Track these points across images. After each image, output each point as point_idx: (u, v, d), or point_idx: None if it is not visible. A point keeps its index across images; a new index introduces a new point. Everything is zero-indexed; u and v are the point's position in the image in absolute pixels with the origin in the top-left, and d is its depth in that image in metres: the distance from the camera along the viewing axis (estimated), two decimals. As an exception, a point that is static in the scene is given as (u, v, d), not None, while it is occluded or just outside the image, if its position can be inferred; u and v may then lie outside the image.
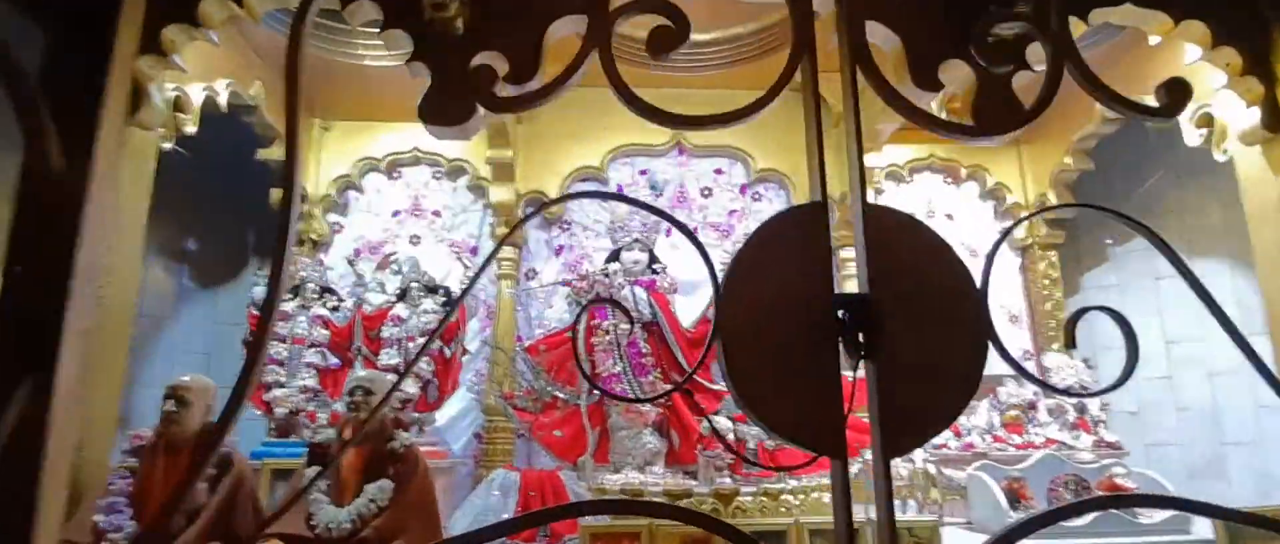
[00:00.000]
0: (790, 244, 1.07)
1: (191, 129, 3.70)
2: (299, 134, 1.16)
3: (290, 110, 1.16)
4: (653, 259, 4.49)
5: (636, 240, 4.46)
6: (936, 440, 4.24)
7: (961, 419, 4.32)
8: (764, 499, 3.58)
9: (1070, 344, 1.07)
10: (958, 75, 1.26)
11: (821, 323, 1.04)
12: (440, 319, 0.98)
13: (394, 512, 2.89)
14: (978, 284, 1.08)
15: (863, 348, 1.06)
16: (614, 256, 4.55)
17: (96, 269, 1.19)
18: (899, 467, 4.14)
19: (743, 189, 5.53)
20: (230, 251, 5.44)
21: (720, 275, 1.05)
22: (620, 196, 1.14)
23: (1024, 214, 5.30)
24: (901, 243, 1.09)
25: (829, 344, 1.04)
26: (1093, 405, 4.29)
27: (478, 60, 1.31)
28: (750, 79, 5.39)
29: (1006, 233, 1.17)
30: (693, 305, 4.72)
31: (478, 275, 1.15)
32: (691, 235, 1.08)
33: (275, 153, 4.93)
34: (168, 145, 3.57)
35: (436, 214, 5.42)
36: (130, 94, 1.99)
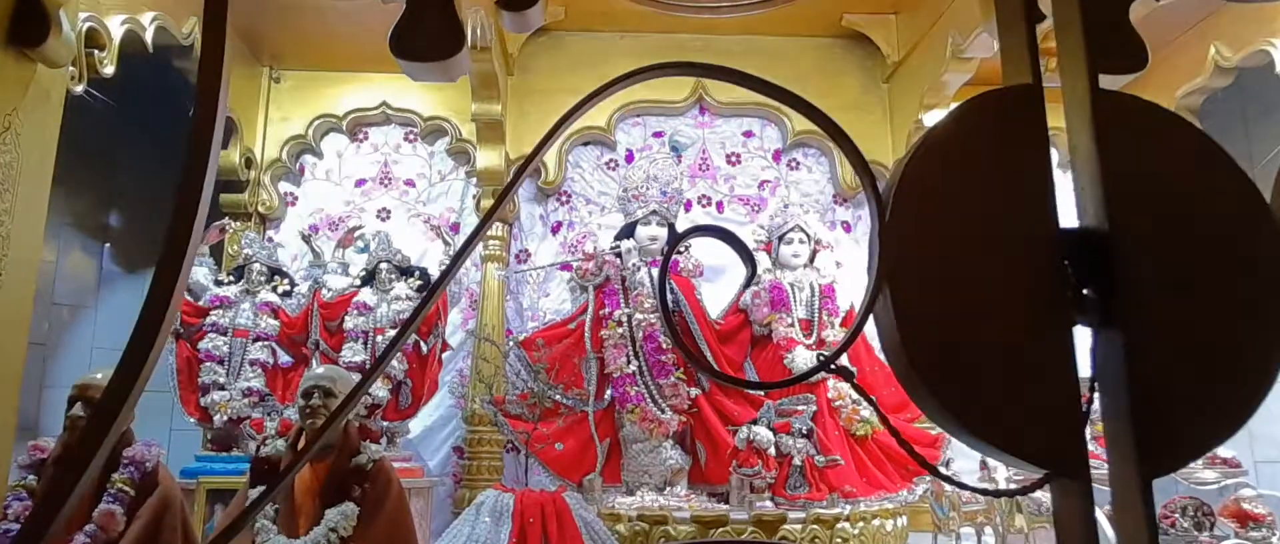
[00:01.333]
0: (988, 149, 0.80)
1: (109, 69, 3.45)
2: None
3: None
4: (673, 236, 4.27)
5: (654, 213, 4.29)
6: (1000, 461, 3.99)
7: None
8: (816, 528, 3.38)
9: None
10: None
11: (1042, 272, 0.77)
12: (418, 305, 0.78)
13: (361, 543, 2.69)
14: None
15: (1099, 311, 0.78)
16: (626, 233, 4.38)
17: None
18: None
19: (776, 156, 5.33)
20: (160, 228, 5.16)
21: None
22: (731, 73, 0.85)
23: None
24: (1155, 150, 0.81)
25: (1057, 306, 0.76)
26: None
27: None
28: (777, 23, 5.20)
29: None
30: (721, 293, 4.52)
31: (470, 244, 0.86)
32: (841, 132, 0.80)
33: (215, 106, 4.64)
34: (79, 88, 3.30)
35: (410, 183, 5.23)
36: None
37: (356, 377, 3.87)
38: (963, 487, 0.78)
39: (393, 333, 4.19)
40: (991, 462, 3.92)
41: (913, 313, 0.76)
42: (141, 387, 0.74)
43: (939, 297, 0.77)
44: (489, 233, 4.93)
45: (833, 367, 0.76)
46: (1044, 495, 3.65)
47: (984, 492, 0.76)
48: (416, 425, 4.55)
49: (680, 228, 4.47)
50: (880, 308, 0.78)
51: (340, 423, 2.76)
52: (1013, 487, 3.37)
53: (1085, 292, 0.79)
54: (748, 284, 0.75)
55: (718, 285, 4.65)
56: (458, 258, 0.82)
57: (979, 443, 0.75)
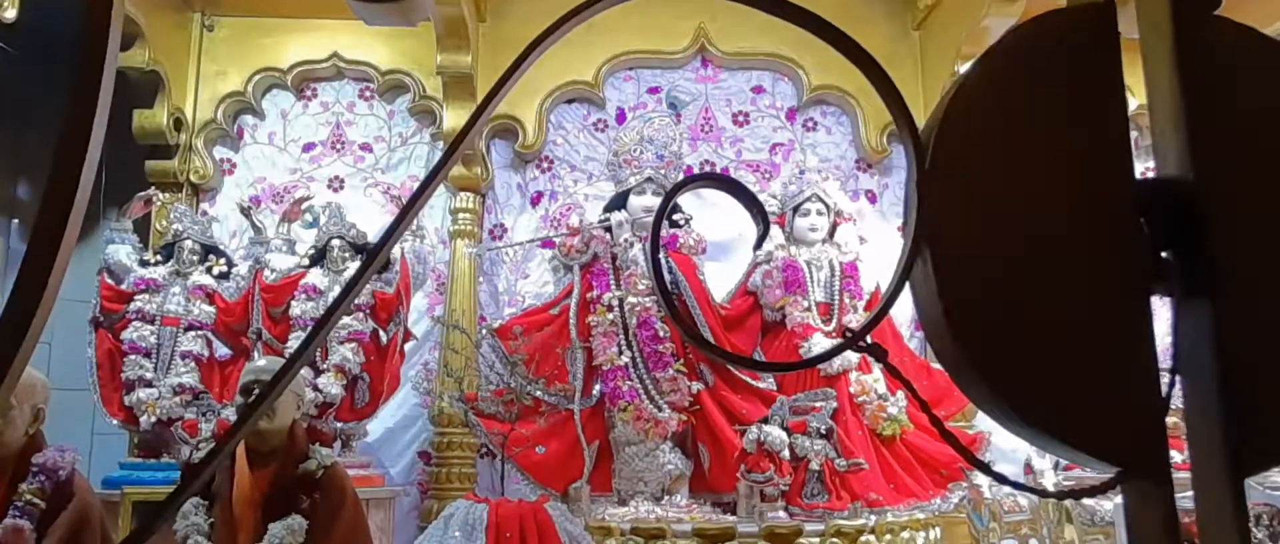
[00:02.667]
0: (1050, 82, 0.76)
1: (11, 13, 3.45)
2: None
3: None
4: (672, 208, 4.25)
5: (649, 180, 4.32)
6: (1063, 459, 4.00)
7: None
8: (836, 541, 3.40)
9: None
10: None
11: (1115, 232, 0.74)
12: (358, 271, 0.75)
13: (310, 563, 2.70)
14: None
15: (1182, 278, 0.75)
16: (617, 204, 4.40)
17: None
18: (1017, 494, 3.90)
19: (790, 115, 5.32)
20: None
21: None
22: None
23: None
24: (1251, 84, 0.78)
25: (1132, 272, 0.74)
26: None
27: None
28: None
29: None
30: (726, 273, 4.52)
31: (419, 197, 0.82)
32: (866, 56, 0.75)
33: (137, 58, 4.60)
34: (-26, 36, 3.27)
35: (365, 148, 5.21)
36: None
37: (305, 371, 3.86)
38: (1020, 487, 0.74)
39: (348, 320, 4.16)
40: (1038, 466, 3.91)
41: (958, 281, 0.73)
42: (8, 393, 0.69)
43: (989, 261, 0.73)
44: (460, 205, 4.92)
45: (861, 344, 0.72)
46: (1099, 504, 3.65)
47: (1042, 493, 0.73)
48: (376, 427, 4.54)
49: (679, 198, 4.44)
50: (918, 275, 0.75)
51: (279, 420, 2.74)
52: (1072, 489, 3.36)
53: (1165, 255, 0.76)
54: (759, 243, 0.72)
55: (724, 265, 4.65)
56: (405, 213, 0.78)
57: (1038, 436, 0.72)
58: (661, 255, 4.14)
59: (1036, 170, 0.75)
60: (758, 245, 0.80)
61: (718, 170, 5.14)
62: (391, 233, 0.84)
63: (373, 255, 0.84)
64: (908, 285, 0.76)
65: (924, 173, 0.73)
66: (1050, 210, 0.74)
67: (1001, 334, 0.72)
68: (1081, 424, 0.72)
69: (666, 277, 4.09)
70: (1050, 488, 3.68)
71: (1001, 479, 0.75)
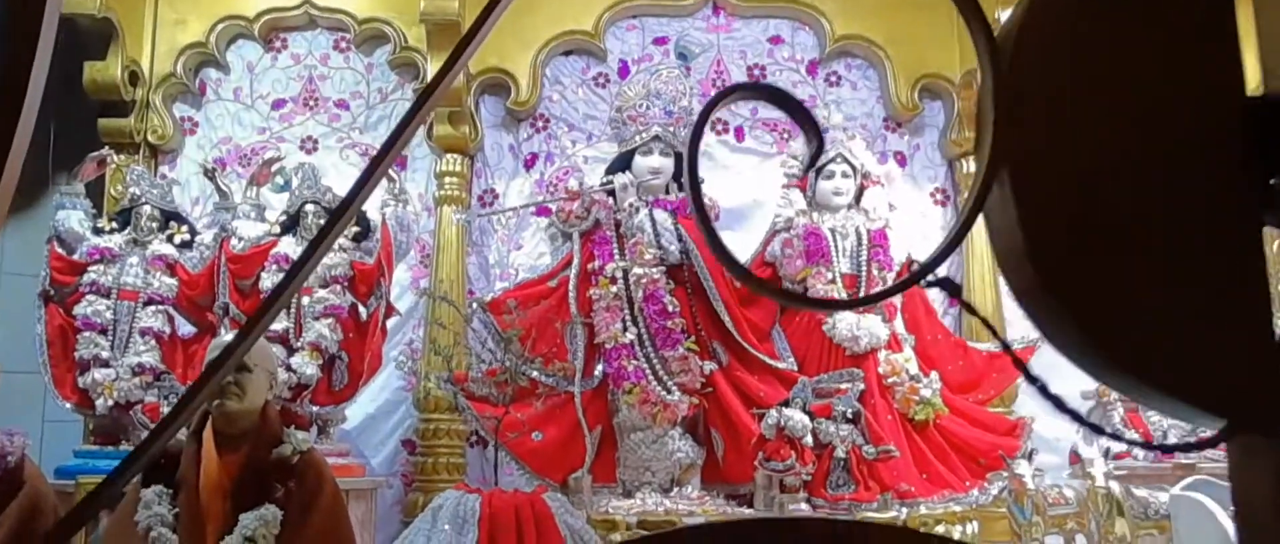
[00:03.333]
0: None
1: None
2: None
3: None
4: (680, 169, 4.24)
5: (656, 139, 4.30)
6: (1117, 446, 4.01)
7: (1154, 415, 4.09)
8: None
9: None
10: None
11: (1221, 154, 0.71)
12: (321, 230, 0.72)
13: (285, 557, 2.71)
14: None
15: None
16: (621, 165, 4.38)
17: None
18: (1062, 485, 3.91)
19: (812, 68, 5.31)
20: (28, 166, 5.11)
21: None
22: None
23: None
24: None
25: (1240, 200, 0.71)
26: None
27: None
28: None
29: None
30: (741, 242, 4.53)
31: (391, 148, 0.80)
32: None
33: (88, 3, 4.57)
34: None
35: (341, 105, 5.22)
36: None
37: (278, 349, 3.85)
38: (1121, 440, 0.71)
39: (325, 293, 4.15)
40: (1085, 454, 3.91)
41: (1041, 207, 0.70)
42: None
43: (1078, 186, 0.70)
44: (446, 168, 4.90)
45: (932, 279, 0.69)
46: (1154, 495, 3.65)
47: (1144, 446, 0.70)
48: (355, 412, 4.55)
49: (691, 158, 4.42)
50: (995, 201, 0.71)
51: (248, 401, 2.73)
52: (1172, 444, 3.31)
53: (1274, 182, 0.73)
54: (812, 164, 0.69)
55: (738, 234, 4.66)
56: (374, 166, 0.75)
57: (1136, 385, 0.70)
58: (671, 221, 4.14)
59: (1132, 82, 0.71)
60: (809, 167, 0.77)
61: (731, 129, 5.12)
62: (360, 188, 0.81)
63: (339, 213, 0.81)
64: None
65: (1002, 79, 0.70)
66: (1147, 128, 0.71)
67: (1091, 269, 0.69)
68: (1182, 369, 0.69)
69: (676, 245, 4.09)
70: (1099, 480, 3.67)
71: (1098, 429, 0.72)
